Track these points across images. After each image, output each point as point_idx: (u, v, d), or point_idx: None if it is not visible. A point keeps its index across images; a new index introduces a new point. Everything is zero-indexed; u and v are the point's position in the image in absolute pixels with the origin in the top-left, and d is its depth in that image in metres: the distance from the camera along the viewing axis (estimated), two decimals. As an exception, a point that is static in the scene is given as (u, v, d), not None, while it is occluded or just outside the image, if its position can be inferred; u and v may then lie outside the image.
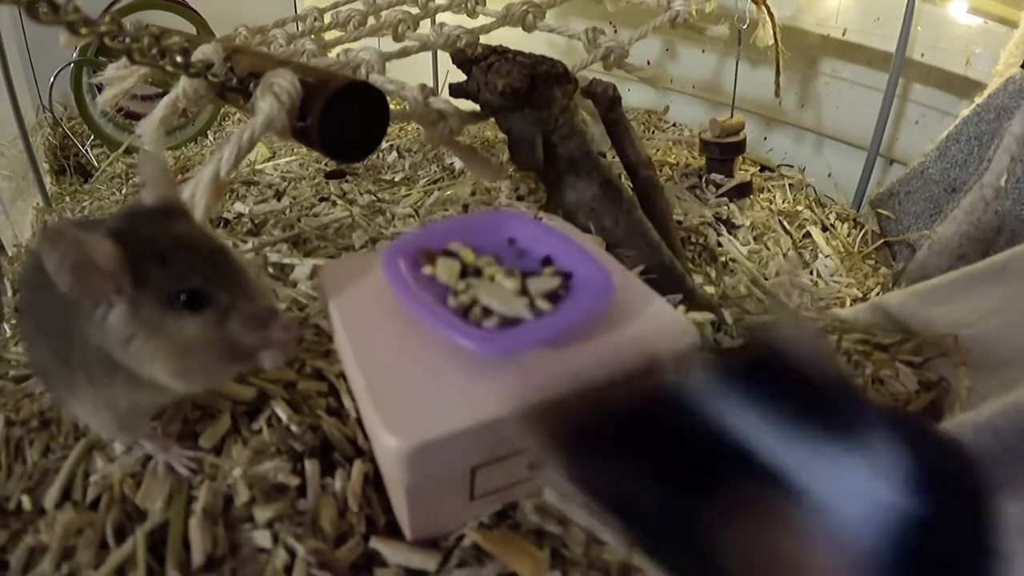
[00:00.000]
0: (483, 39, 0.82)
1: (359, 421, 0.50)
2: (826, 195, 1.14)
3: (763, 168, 1.22)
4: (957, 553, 0.21)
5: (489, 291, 0.40)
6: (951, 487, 0.22)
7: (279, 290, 0.67)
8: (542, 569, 0.41)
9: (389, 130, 0.60)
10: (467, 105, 0.74)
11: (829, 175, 1.19)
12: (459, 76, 0.77)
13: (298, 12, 1.12)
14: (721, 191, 1.03)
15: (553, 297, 0.40)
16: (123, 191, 1.14)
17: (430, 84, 0.73)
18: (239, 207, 0.94)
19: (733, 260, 0.88)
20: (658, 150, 1.24)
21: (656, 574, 0.26)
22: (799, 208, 1.05)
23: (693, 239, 0.91)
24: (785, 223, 1.00)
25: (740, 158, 1.08)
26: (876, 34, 1.04)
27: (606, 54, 0.82)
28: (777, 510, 0.20)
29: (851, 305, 0.80)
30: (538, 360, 0.38)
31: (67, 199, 1.15)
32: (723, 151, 1.05)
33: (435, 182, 1.05)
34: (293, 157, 1.18)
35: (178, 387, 0.39)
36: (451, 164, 1.12)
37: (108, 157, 1.29)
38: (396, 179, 1.07)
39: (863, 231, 1.02)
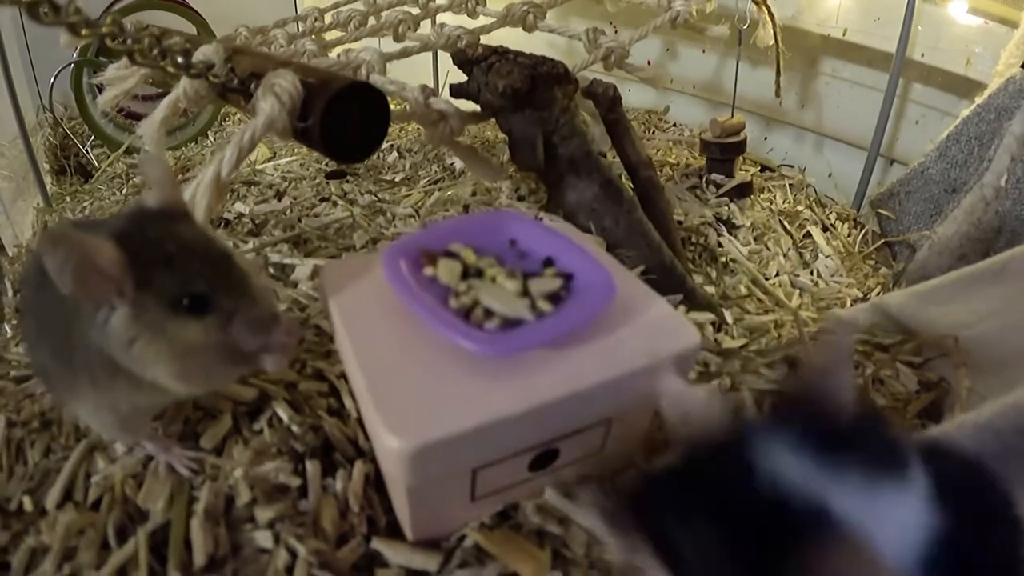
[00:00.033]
0: (484, 39, 0.82)
1: (360, 421, 0.50)
2: (826, 195, 1.14)
3: (763, 168, 1.22)
4: (993, 566, 0.21)
5: (491, 292, 0.40)
6: (982, 505, 0.22)
7: (280, 290, 0.67)
8: (543, 569, 0.41)
9: (390, 130, 0.60)
10: (468, 106, 0.74)
11: (829, 175, 1.19)
12: (460, 76, 0.77)
13: (299, 12, 1.13)
14: (721, 191, 1.03)
15: (554, 298, 0.41)
16: (123, 191, 1.14)
17: (431, 84, 0.73)
18: (240, 207, 0.94)
19: (733, 260, 0.88)
20: (658, 150, 1.24)
21: None
22: (799, 208, 1.05)
23: (693, 239, 0.91)
24: (785, 223, 1.00)
25: (740, 158, 1.08)
26: (876, 34, 1.04)
27: (607, 54, 0.82)
28: (848, 559, 0.20)
29: (851, 305, 0.80)
30: (539, 361, 0.38)
31: (67, 199, 1.15)
32: (723, 151, 1.05)
33: (436, 182, 1.05)
34: (294, 157, 1.18)
35: (180, 390, 0.40)
36: (452, 164, 1.12)
37: (108, 157, 1.29)
38: (397, 179, 1.07)
39: (863, 231, 1.02)
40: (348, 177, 1.08)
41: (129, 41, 0.53)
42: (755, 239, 0.95)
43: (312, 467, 0.46)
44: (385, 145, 1.21)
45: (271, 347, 0.39)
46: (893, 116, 1.04)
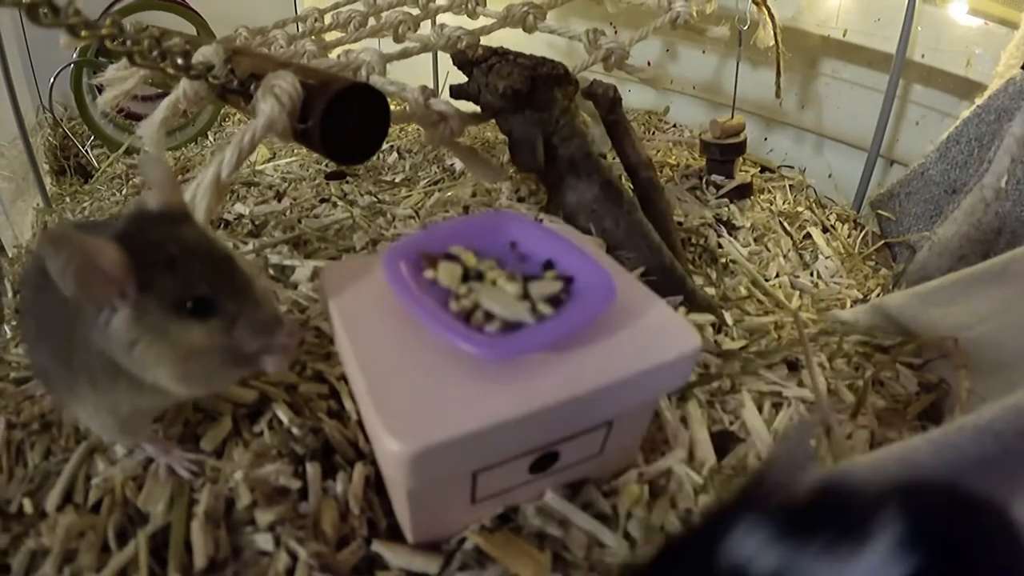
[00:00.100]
0: (484, 40, 0.82)
1: (360, 424, 0.50)
2: (826, 196, 1.14)
3: (763, 169, 1.22)
4: None
5: (491, 295, 0.40)
6: (968, 532, 0.22)
7: (279, 292, 0.67)
8: (544, 572, 0.41)
9: (390, 131, 0.60)
10: (468, 107, 0.74)
11: (829, 176, 1.19)
12: (460, 77, 0.77)
13: (298, 13, 1.12)
14: (721, 192, 1.03)
15: (555, 301, 0.40)
16: (123, 192, 1.14)
17: (431, 85, 0.73)
18: (239, 208, 0.94)
19: (734, 261, 0.88)
20: (658, 151, 1.24)
21: None
22: (799, 209, 1.05)
23: (693, 240, 0.91)
24: (786, 224, 1.00)
25: (740, 159, 1.08)
26: (876, 35, 1.04)
27: (607, 55, 0.82)
28: None
29: (852, 307, 0.80)
30: (540, 364, 0.38)
31: (67, 200, 1.15)
32: (724, 152, 1.05)
33: (436, 183, 1.05)
34: (293, 158, 1.18)
35: (181, 391, 0.40)
36: (452, 165, 1.12)
37: (108, 158, 1.28)
38: (397, 180, 1.07)
39: (863, 232, 1.02)
40: (348, 178, 1.08)
41: (129, 42, 0.53)
42: (755, 240, 0.95)
43: (312, 469, 0.46)
44: (385, 146, 1.21)
45: (272, 349, 0.39)
46: (893, 117, 1.04)
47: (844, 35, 1.08)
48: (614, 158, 0.86)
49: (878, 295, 0.86)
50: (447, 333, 0.37)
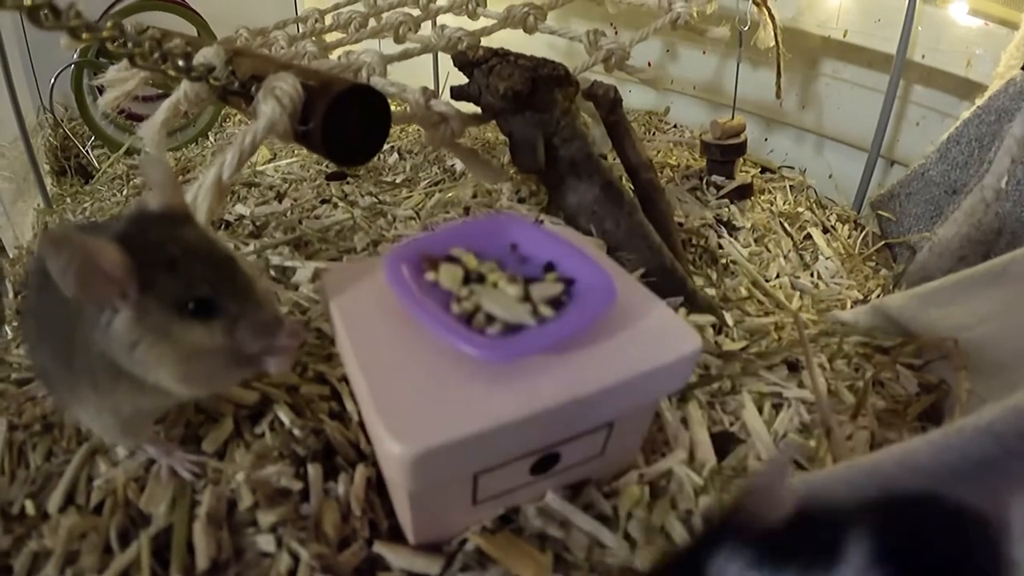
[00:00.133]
0: (484, 41, 0.82)
1: (361, 425, 0.51)
2: (827, 196, 1.14)
3: (764, 170, 1.22)
4: None
5: (492, 298, 0.40)
6: (948, 548, 0.23)
7: (280, 293, 0.67)
8: (545, 573, 0.41)
9: (390, 132, 0.60)
10: (468, 108, 0.74)
11: (830, 176, 1.19)
12: (460, 78, 0.77)
13: (299, 14, 1.12)
14: (722, 193, 1.03)
15: (556, 303, 0.41)
16: (124, 192, 1.14)
17: (431, 87, 0.73)
18: (240, 209, 0.94)
19: (734, 262, 0.88)
20: (659, 152, 1.24)
21: None
22: (800, 210, 1.05)
23: (694, 241, 0.91)
24: (786, 225, 1.01)
25: (741, 160, 1.08)
26: (877, 36, 1.04)
27: (607, 56, 0.82)
28: None
29: (852, 307, 0.80)
30: (541, 366, 0.38)
31: (68, 200, 1.15)
32: (724, 153, 1.05)
33: (436, 184, 1.05)
34: (294, 159, 1.18)
35: (183, 392, 0.40)
36: (452, 166, 1.12)
37: (109, 158, 1.29)
38: (397, 181, 1.07)
39: (864, 233, 1.02)
40: (348, 179, 1.08)
41: (130, 44, 0.53)
42: (755, 241, 0.95)
43: (314, 471, 0.46)
44: (386, 147, 1.21)
45: (274, 350, 0.39)
46: (893, 117, 1.05)
47: (844, 36, 1.08)
48: (615, 159, 0.86)
49: (878, 296, 0.86)
50: (448, 335, 0.37)
